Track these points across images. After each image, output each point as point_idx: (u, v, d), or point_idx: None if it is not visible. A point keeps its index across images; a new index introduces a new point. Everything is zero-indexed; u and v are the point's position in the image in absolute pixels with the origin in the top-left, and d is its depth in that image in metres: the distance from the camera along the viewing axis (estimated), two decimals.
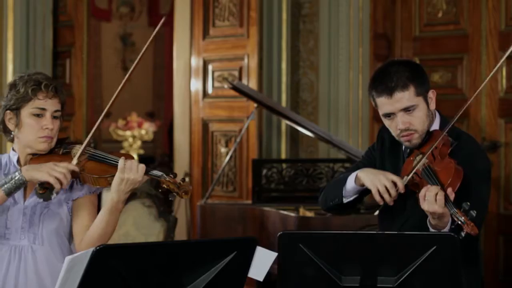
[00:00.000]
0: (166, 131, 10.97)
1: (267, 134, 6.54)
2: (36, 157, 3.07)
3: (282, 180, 5.59)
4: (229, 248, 2.52)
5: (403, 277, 2.61)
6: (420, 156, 3.06)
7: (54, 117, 3.06)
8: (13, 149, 3.12)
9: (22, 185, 2.95)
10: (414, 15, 6.21)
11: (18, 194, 3.05)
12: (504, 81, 5.82)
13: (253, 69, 6.52)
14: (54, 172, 2.90)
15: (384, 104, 3.13)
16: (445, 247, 2.57)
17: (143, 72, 11.67)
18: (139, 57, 3.17)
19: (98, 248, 2.30)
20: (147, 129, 10.55)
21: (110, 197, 2.99)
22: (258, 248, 2.59)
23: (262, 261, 2.62)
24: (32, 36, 6.31)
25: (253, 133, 6.47)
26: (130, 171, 2.95)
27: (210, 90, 6.84)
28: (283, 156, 6.50)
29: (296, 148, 6.59)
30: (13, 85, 3.06)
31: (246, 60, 6.56)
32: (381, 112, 3.17)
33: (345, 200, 3.29)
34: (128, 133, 10.34)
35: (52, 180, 2.89)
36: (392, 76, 3.12)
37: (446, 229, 2.95)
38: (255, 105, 5.65)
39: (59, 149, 3.10)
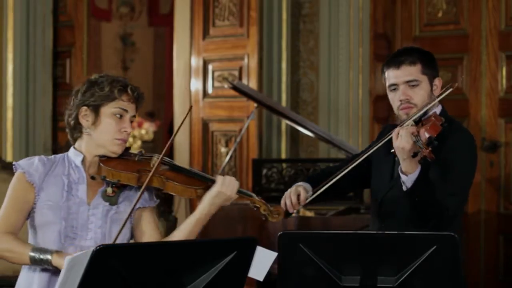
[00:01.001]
0: (166, 131, 10.97)
1: (267, 134, 6.54)
2: (106, 159, 3.02)
3: (282, 180, 5.59)
4: (229, 248, 2.51)
5: (403, 277, 2.61)
6: (410, 122, 3.21)
7: (130, 122, 3.04)
8: (74, 148, 3.06)
9: (46, 265, 2.87)
10: (414, 15, 6.21)
11: (82, 195, 2.99)
12: (504, 81, 5.82)
13: (253, 69, 6.52)
14: None
15: (390, 75, 3.35)
16: (445, 247, 2.57)
17: (143, 72, 11.66)
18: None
19: (98, 248, 2.30)
20: (147, 129, 10.55)
21: (201, 207, 3.01)
22: (258, 248, 2.59)
23: (262, 261, 2.62)
24: (32, 36, 6.31)
25: (253, 133, 6.47)
26: (228, 187, 3.00)
27: (210, 90, 6.84)
28: (283, 156, 6.50)
29: (296, 148, 6.59)
30: (94, 83, 3.02)
31: (246, 60, 6.56)
32: (387, 84, 3.37)
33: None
34: None
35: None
36: (404, 54, 3.37)
37: (415, 176, 3.09)
38: (255, 105, 5.65)
39: (134, 156, 3.06)
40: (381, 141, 3.29)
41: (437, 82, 3.36)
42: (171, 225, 5.00)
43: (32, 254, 2.86)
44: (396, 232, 3.03)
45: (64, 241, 2.96)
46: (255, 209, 3.12)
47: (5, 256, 2.92)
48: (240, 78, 6.54)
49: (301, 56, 6.60)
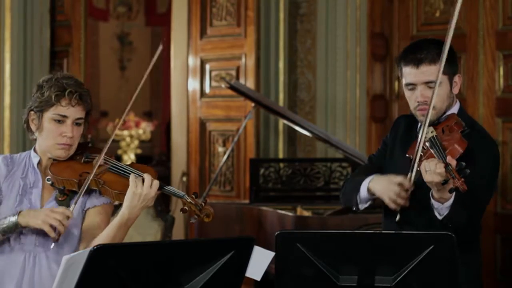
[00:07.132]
0: (164, 131, 10.96)
1: (265, 134, 6.54)
2: (56, 162, 3.01)
3: (279, 179, 5.59)
4: (227, 247, 2.52)
5: (401, 277, 2.61)
6: (430, 129, 3.08)
7: (76, 124, 3.00)
8: (34, 150, 3.07)
9: (16, 228, 2.89)
10: (412, 14, 6.20)
11: (35, 199, 3.00)
12: (501, 80, 5.81)
13: (250, 68, 6.51)
14: (50, 220, 2.83)
15: (409, 74, 3.20)
16: (442, 246, 2.57)
17: (141, 71, 11.66)
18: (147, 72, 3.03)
19: (95, 247, 2.30)
20: (145, 129, 10.55)
21: (120, 212, 2.93)
22: (256, 248, 2.59)
23: (260, 261, 2.62)
24: (29, 36, 6.30)
25: (251, 133, 6.47)
26: (143, 187, 2.90)
27: (207, 89, 6.84)
28: (281, 155, 6.50)
29: (294, 148, 6.59)
30: (40, 87, 3.01)
31: (243, 60, 6.56)
32: (404, 82, 3.23)
33: (361, 207, 3.34)
34: (125, 132, 10.33)
35: (47, 229, 2.83)
36: (423, 49, 3.22)
37: (450, 202, 2.97)
38: (253, 104, 5.65)
39: (81, 157, 3.04)
40: (419, 146, 3.06)
41: (457, 79, 3.23)
42: (168, 225, 4.99)
43: None
44: (393, 231, 3.03)
45: (14, 245, 2.96)
46: (181, 211, 2.97)
47: None
48: (237, 77, 6.54)
49: (299, 56, 6.60)
